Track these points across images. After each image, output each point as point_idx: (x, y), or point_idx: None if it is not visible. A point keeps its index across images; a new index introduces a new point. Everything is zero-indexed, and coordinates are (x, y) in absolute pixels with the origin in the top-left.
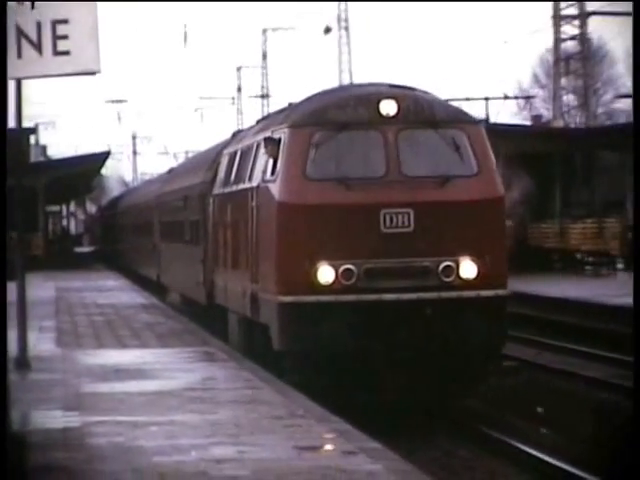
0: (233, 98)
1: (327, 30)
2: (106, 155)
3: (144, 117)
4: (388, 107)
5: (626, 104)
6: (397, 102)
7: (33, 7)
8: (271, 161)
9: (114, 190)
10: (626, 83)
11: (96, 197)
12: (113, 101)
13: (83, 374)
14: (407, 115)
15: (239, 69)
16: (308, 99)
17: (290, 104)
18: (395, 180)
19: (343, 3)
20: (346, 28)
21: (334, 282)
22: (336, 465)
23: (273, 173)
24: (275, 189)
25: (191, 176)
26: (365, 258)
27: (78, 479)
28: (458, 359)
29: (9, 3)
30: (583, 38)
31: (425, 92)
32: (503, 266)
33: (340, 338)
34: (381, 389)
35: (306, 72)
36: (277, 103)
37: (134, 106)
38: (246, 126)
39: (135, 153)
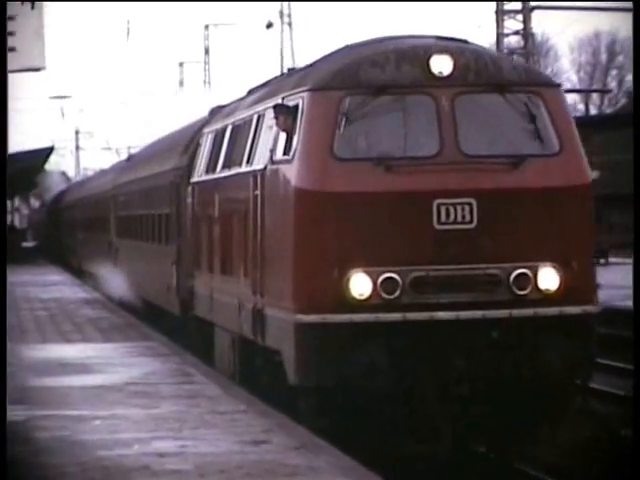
0: (175, 93)
1: (269, 25)
2: (49, 151)
3: (87, 112)
4: (441, 64)
5: (569, 99)
6: (453, 58)
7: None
8: (283, 135)
9: (57, 185)
10: (570, 77)
11: (39, 192)
12: (57, 97)
13: (27, 368)
14: (466, 74)
15: (181, 64)
16: (334, 54)
17: (291, 69)
18: (452, 161)
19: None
20: (289, 24)
21: (371, 296)
22: (279, 460)
23: (287, 151)
24: (291, 172)
25: (158, 162)
26: (412, 264)
27: (24, 472)
28: (533, 395)
29: None
30: (526, 33)
31: (482, 47)
32: (591, 274)
33: (379, 370)
34: (432, 435)
35: (248, 67)
36: (219, 98)
37: (77, 102)
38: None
39: (78, 148)
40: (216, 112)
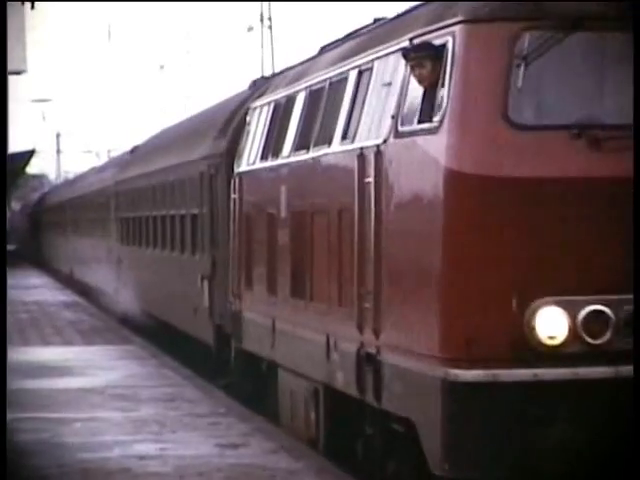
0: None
1: (250, 29)
2: (31, 154)
3: (68, 115)
4: None
5: None
6: None
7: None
8: (418, 92)
9: (37, 188)
10: None
11: (21, 195)
12: (38, 100)
13: (9, 371)
14: None
15: (162, 67)
16: None
17: (378, 19)
18: None
19: (266, 2)
20: (269, 27)
21: (568, 340)
22: (257, 463)
23: (427, 117)
24: (438, 147)
25: (180, 151)
26: (629, 290)
27: (5, 474)
28: None
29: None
30: None
31: None
32: None
33: (580, 453)
34: None
35: (229, 71)
36: (200, 103)
37: (58, 104)
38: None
39: (59, 152)
40: (261, 84)
